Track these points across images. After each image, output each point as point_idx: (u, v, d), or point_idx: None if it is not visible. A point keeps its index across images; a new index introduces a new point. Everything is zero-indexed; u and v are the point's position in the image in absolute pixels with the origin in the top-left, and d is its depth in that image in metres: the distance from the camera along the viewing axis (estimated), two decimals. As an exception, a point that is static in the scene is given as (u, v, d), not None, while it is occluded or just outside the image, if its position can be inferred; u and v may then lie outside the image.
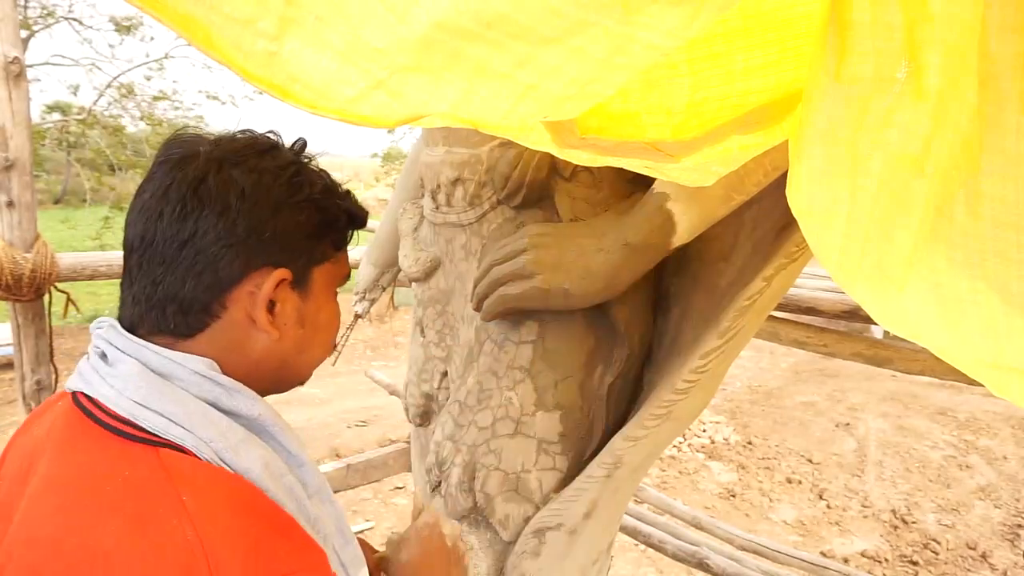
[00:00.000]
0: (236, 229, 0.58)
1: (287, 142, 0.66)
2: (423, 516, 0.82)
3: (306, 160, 0.66)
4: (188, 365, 0.57)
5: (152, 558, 0.47)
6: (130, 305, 0.61)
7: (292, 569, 0.52)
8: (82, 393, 0.58)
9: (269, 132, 0.66)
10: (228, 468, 0.55)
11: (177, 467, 0.52)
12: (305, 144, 0.67)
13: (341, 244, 0.68)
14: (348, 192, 0.69)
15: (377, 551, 0.84)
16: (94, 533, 0.48)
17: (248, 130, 0.65)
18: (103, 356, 0.59)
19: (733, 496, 4.43)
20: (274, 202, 0.60)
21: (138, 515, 0.49)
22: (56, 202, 15.46)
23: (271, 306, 0.61)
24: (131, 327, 0.60)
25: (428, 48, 0.42)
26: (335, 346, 0.72)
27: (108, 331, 0.60)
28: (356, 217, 0.69)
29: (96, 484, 0.51)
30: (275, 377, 0.65)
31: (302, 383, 0.70)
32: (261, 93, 0.48)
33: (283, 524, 0.55)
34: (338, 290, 0.71)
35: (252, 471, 0.56)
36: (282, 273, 0.61)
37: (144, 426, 0.54)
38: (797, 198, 0.46)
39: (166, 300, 0.59)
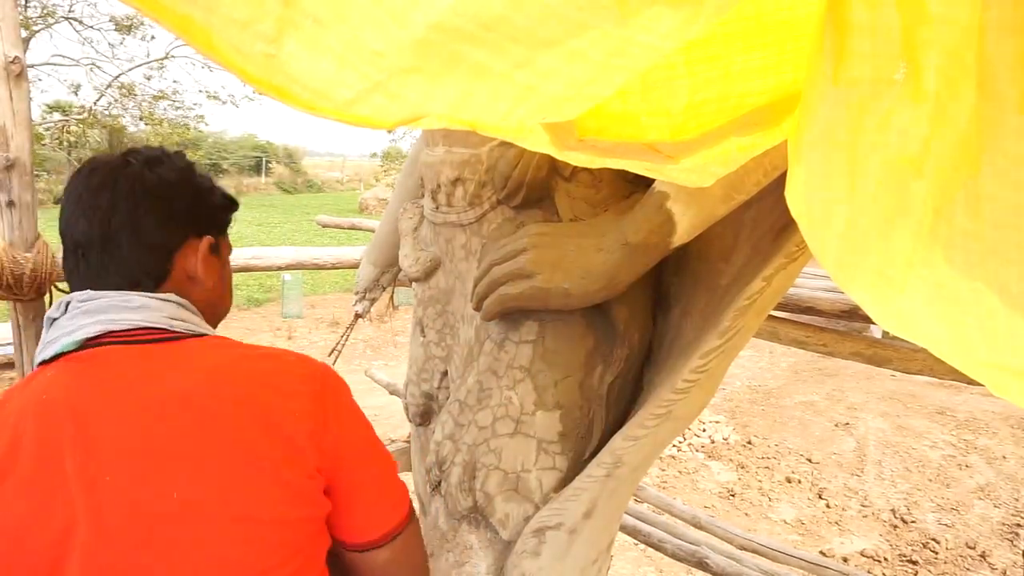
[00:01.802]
0: (170, 209, 0.79)
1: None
2: None
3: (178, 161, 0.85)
4: (168, 298, 0.77)
5: (306, 375, 0.77)
6: (96, 278, 0.76)
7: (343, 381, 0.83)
8: (99, 335, 0.72)
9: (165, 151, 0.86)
10: None
11: (225, 340, 0.78)
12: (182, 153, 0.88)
13: (227, 222, 0.91)
14: (213, 180, 0.91)
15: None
16: (258, 371, 0.74)
17: (150, 149, 0.84)
18: (111, 302, 0.74)
19: (733, 496, 4.43)
20: (193, 188, 0.83)
21: (262, 355, 0.77)
22: (56, 202, 15.45)
23: (207, 257, 0.83)
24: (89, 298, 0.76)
25: (426, 50, 0.42)
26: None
27: (90, 293, 0.75)
28: (232, 200, 0.91)
29: (213, 356, 0.74)
30: (205, 317, 0.84)
31: (215, 326, 0.88)
32: (261, 93, 0.48)
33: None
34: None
35: None
36: (210, 239, 0.83)
37: (179, 329, 0.75)
38: (796, 199, 0.46)
39: (132, 267, 0.76)
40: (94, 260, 0.76)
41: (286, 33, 0.42)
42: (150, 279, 0.77)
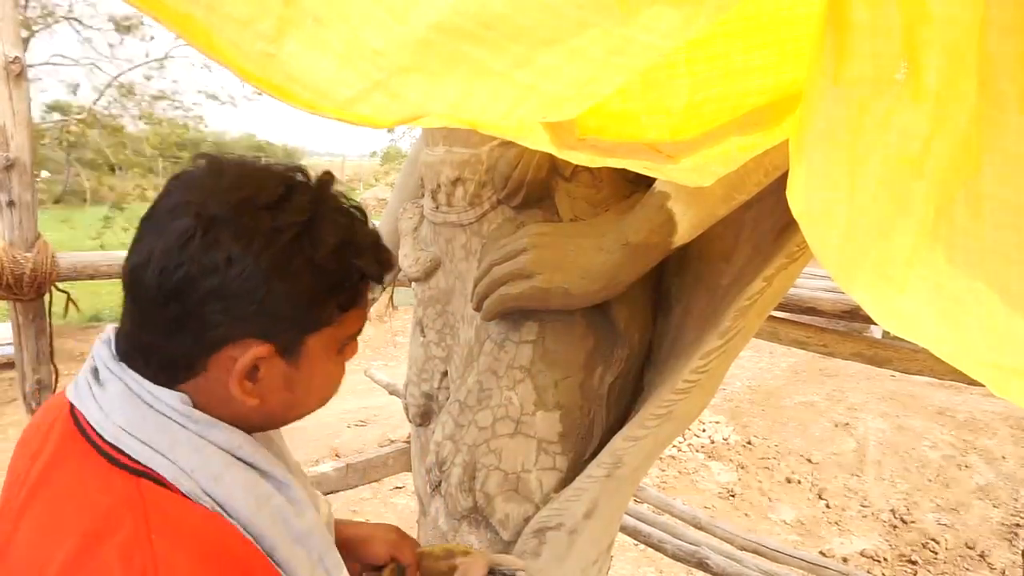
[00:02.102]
0: (221, 295, 0.53)
1: (316, 181, 0.60)
2: (477, 566, 0.82)
3: (327, 205, 0.59)
4: (161, 397, 0.55)
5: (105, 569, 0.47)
6: (122, 335, 0.60)
7: None
8: (75, 407, 0.58)
9: (292, 171, 0.59)
10: (210, 498, 0.54)
11: (154, 502, 0.51)
12: (327, 183, 0.61)
13: (349, 306, 0.61)
14: (374, 243, 0.61)
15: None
16: (63, 563, 0.48)
17: (263, 170, 0.59)
18: (95, 372, 0.58)
19: (733, 496, 4.43)
20: (262, 272, 0.53)
21: (106, 547, 0.48)
22: (56, 202, 15.45)
23: (253, 373, 0.57)
24: (120, 354, 0.59)
25: (427, 49, 0.42)
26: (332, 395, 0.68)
27: (101, 348, 0.59)
28: (372, 274, 0.61)
29: (76, 510, 0.51)
30: (261, 426, 0.63)
31: (292, 421, 0.66)
32: (261, 94, 0.48)
33: (258, 565, 0.54)
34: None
35: (235, 498, 0.55)
36: (261, 350, 0.56)
37: (128, 452, 0.53)
38: (797, 199, 0.46)
39: (149, 350, 0.57)
40: (133, 308, 0.58)
41: (286, 32, 0.42)
42: (162, 368, 0.57)
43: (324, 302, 0.58)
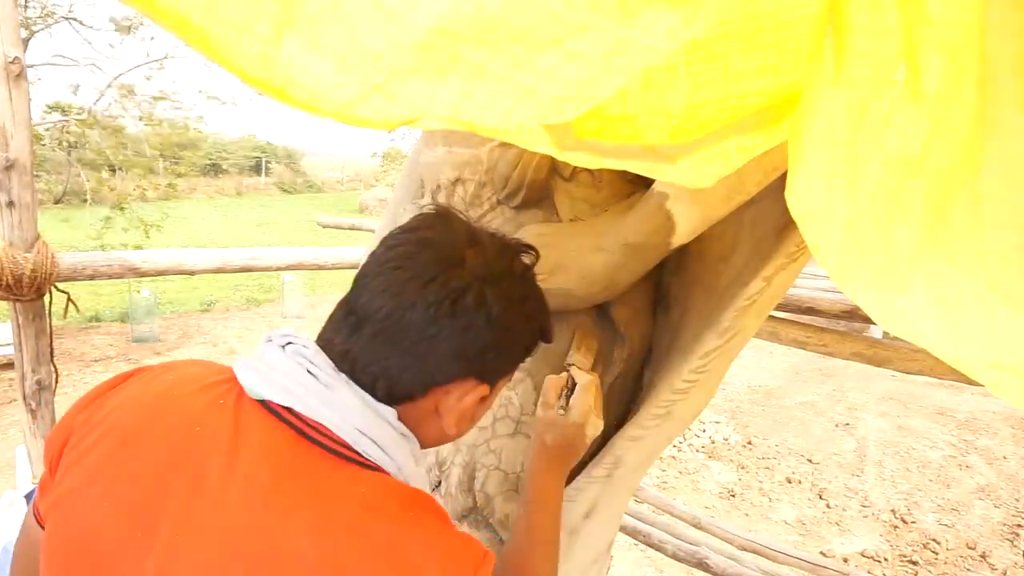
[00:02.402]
0: (471, 346, 0.64)
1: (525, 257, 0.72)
2: (573, 414, 0.90)
3: (537, 284, 0.72)
4: (384, 414, 0.64)
5: (416, 567, 0.54)
6: (342, 351, 0.65)
7: (484, 552, 0.60)
8: (285, 408, 0.61)
9: (524, 248, 0.72)
10: None
11: (394, 487, 0.61)
12: (537, 258, 0.73)
13: (528, 357, 0.75)
14: (548, 311, 0.75)
15: None
16: (356, 553, 0.54)
17: (505, 245, 0.70)
18: (311, 375, 0.63)
19: (733, 496, 4.44)
20: (509, 330, 0.67)
21: (387, 531, 0.56)
22: (56, 202, 15.46)
23: (462, 412, 0.68)
24: (337, 365, 0.65)
25: (426, 51, 0.42)
26: None
27: (316, 355, 0.64)
28: (547, 336, 0.75)
29: (341, 504, 0.57)
30: (421, 445, 0.71)
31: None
32: (261, 94, 0.48)
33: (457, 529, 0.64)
34: None
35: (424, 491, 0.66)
36: (484, 390, 0.68)
37: (361, 451, 0.61)
38: (796, 200, 0.46)
39: (380, 374, 0.64)
40: (364, 333, 0.64)
41: (284, 34, 0.42)
42: (387, 391, 0.64)
43: (520, 359, 0.73)
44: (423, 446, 0.70)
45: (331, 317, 0.68)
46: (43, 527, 0.66)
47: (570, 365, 0.96)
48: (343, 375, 0.64)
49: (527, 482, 0.91)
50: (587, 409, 0.91)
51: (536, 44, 0.41)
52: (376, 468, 0.62)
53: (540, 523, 0.87)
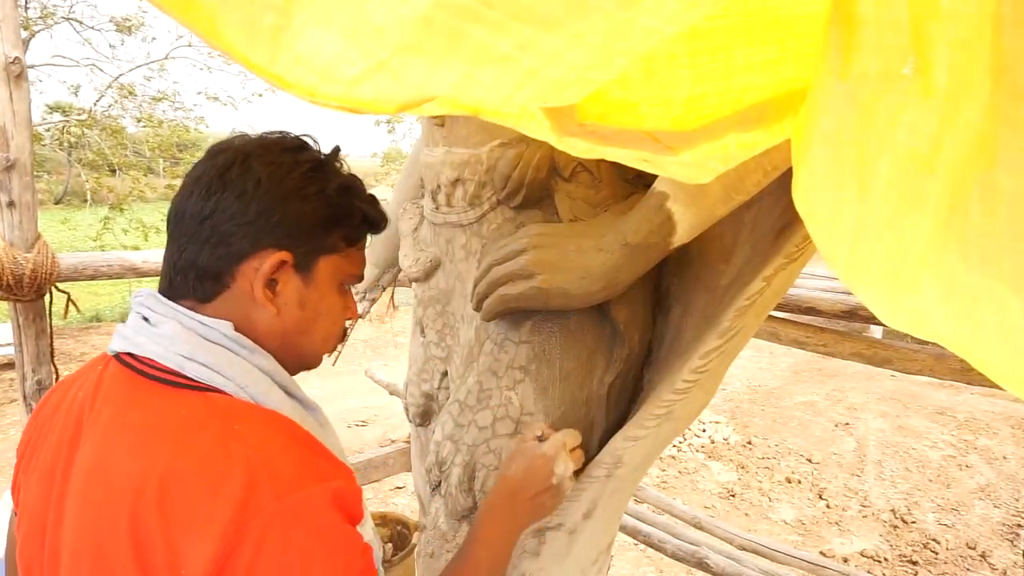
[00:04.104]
0: (248, 211, 0.66)
1: (322, 148, 0.74)
2: (546, 447, 0.87)
3: (332, 161, 0.73)
4: (216, 327, 0.66)
5: (223, 473, 0.55)
6: (164, 273, 0.70)
7: (333, 477, 0.60)
8: (126, 353, 0.66)
9: (304, 135, 0.74)
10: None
11: (224, 405, 0.62)
12: (338, 150, 0.75)
13: (353, 240, 0.74)
14: (372, 197, 0.76)
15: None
16: (172, 462, 0.56)
17: (284, 132, 0.74)
18: (145, 319, 0.67)
19: (733, 496, 4.43)
20: (284, 191, 0.67)
21: (203, 442, 0.58)
22: (57, 202, 15.45)
23: (272, 284, 0.69)
24: (165, 293, 0.70)
25: (429, 27, 0.42)
26: (341, 338, 0.79)
27: (147, 298, 0.69)
28: (371, 219, 0.75)
29: (161, 423, 0.60)
30: (279, 356, 0.71)
31: (307, 367, 0.76)
32: (261, 95, 0.48)
33: (318, 446, 0.65)
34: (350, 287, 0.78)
35: (281, 411, 0.66)
36: (283, 255, 0.68)
37: (191, 375, 0.63)
38: (802, 199, 0.46)
39: (187, 267, 0.67)
40: (169, 240, 0.69)
41: (296, 4, 0.42)
42: (199, 281, 0.67)
43: (332, 229, 0.71)
44: (276, 354, 0.70)
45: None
46: None
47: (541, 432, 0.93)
48: (171, 307, 0.67)
49: (477, 517, 0.86)
50: (560, 444, 0.88)
51: (539, 24, 0.41)
52: (210, 390, 0.63)
53: (477, 556, 0.81)
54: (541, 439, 0.90)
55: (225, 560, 0.52)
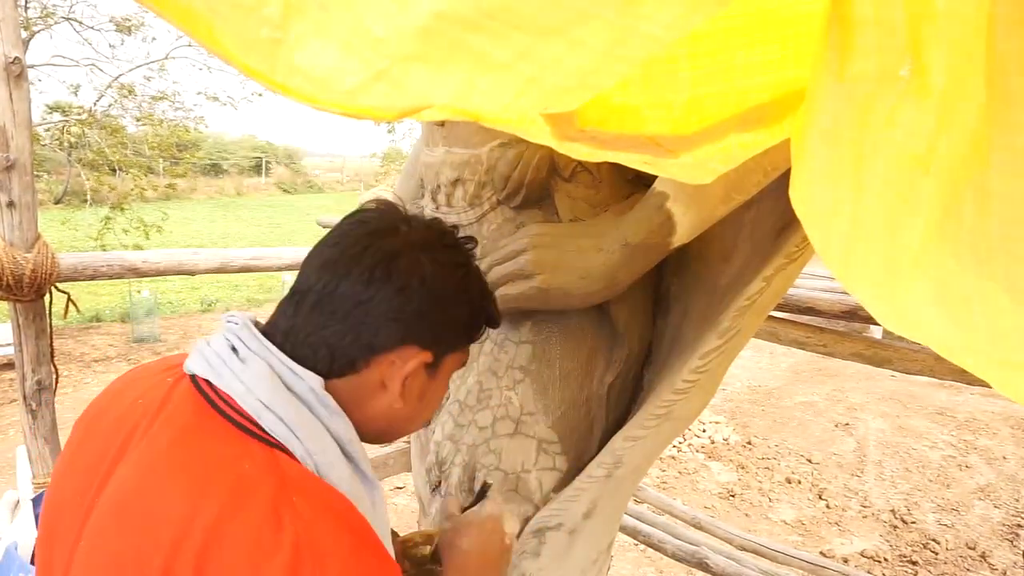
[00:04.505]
0: (407, 308, 0.65)
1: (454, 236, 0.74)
2: (488, 507, 0.85)
3: (473, 260, 0.74)
4: (304, 379, 0.63)
5: (270, 548, 0.51)
6: (282, 330, 0.67)
7: None
8: (206, 381, 0.63)
9: (452, 227, 0.74)
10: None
11: (290, 471, 0.58)
12: (475, 245, 0.76)
13: (476, 339, 0.76)
14: (494, 297, 0.78)
15: (398, 534, 0.87)
16: (221, 520, 0.52)
17: (436, 221, 0.73)
18: (234, 350, 0.64)
19: (733, 496, 4.43)
20: (443, 294, 0.68)
21: (257, 507, 0.53)
22: (57, 202, 15.45)
23: (406, 379, 0.68)
24: (268, 335, 0.66)
25: (429, 37, 0.42)
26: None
27: (242, 329, 0.66)
28: (493, 320, 0.77)
29: (220, 471, 0.56)
30: (374, 433, 0.71)
31: (388, 443, 0.76)
32: (261, 94, 0.48)
33: (371, 536, 0.60)
34: None
35: (340, 488, 0.61)
36: (427, 356, 0.68)
37: (264, 426, 0.59)
38: (800, 198, 0.46)
39: (322, 344, 0.65)
40: (304, 306, 0.66)
41: (292, 18, 0.42)
42: (329, 361, 0.65)
43: (464, 331, 0.73)
44: (372, 430, 0.69)
45: (279, 303, 0.70)
46: None
47: (487, 485, 0.93)
48: (266, 347, 0.64)
49: None
50: (500, 504, 0.86)
51: (539, 32, 0.41)
52: (279, 447, 0.60)
53: None
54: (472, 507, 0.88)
55: None
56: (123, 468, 0.59)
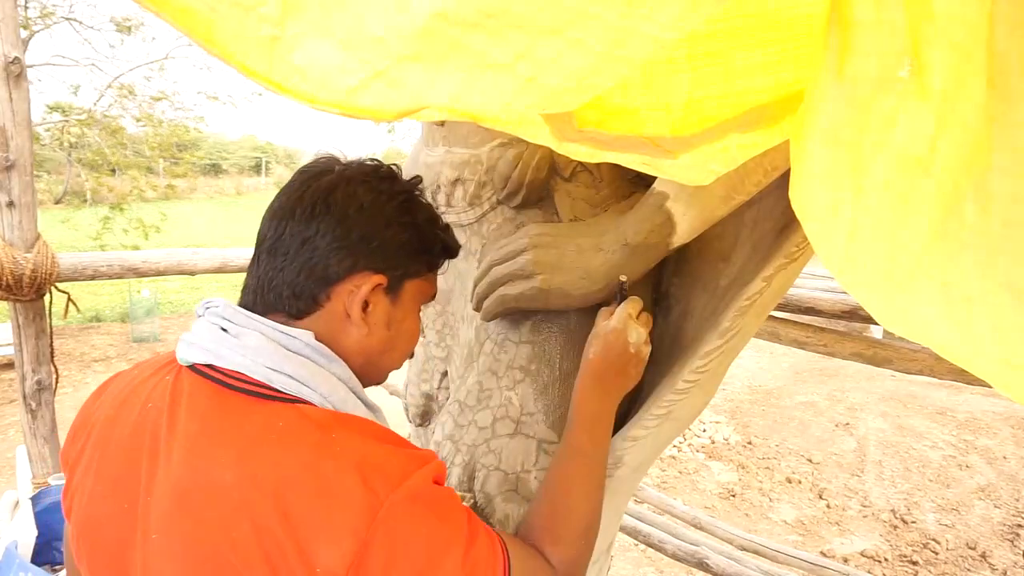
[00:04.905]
0: (350, 235, 0.69)
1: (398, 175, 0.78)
2: (612, 321, 0.91)
3: (417, 193, 0.78)
4: (299, 337, 0.68)
5: (337, 477, 0.58)
6: (252, 288, 0.72)
7: (426, 459, 0.64)
8: (207, 365, 0.66)
9: (392, 165, 0.78)
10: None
11: (315, 416, 0.63)
12: (420, 180, 0.79)
13: (434, 266, 0.80)
14: (447, 226, 0.81)
15: None
16: (282, 471, 0.58)
17: (374, 158, 0.78)
18: (223, 330, 0.68)
19: (733, 496, 4.43)
20: (384, 218, 0.71)
21: (307, 451, 0.59)
22: (57, 202, 15.45)
23: (365, 305, 0.72)
24: (248, 307, 0.71)
25: (428, 37, 0.42)
26: (411, 355, 0.82)
27: (225, 309, 0.70)
28: (449, 247, 0.81)
29: (260, 435, 0.61)
30: (360, 371, 0.74)
31: (375, 383, 0.79)
32: (261, 94, 0.48)
33: (400, 437, 0.67)
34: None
35: (357, 415, 0.68)
36: (379, 278, 0.71)
37: (278, 387, 0.64)
38: (800, 199, 0.46)
39: (283, 285, 0.70)
40: (261, 257, 0.71)
41: (290, 16, 0.42)
42: (294, 299, 0.69)
43: (419, 256, 0.76)
44: (357, 369, 0.73)
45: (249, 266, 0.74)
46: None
47: (623, 277, 0.96)
48: (252, 318, 0.68)
49: (571, 405, 0.90)
50: (624, 316, 0.91)
51: (538, 32, 0.41)
52: (298, 401, 0.64)
53: (577, 441, 0.86)
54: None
55: (361, 557, 0.56)
56: (168, 467, 0.62)
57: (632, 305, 0.93)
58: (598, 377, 0.89)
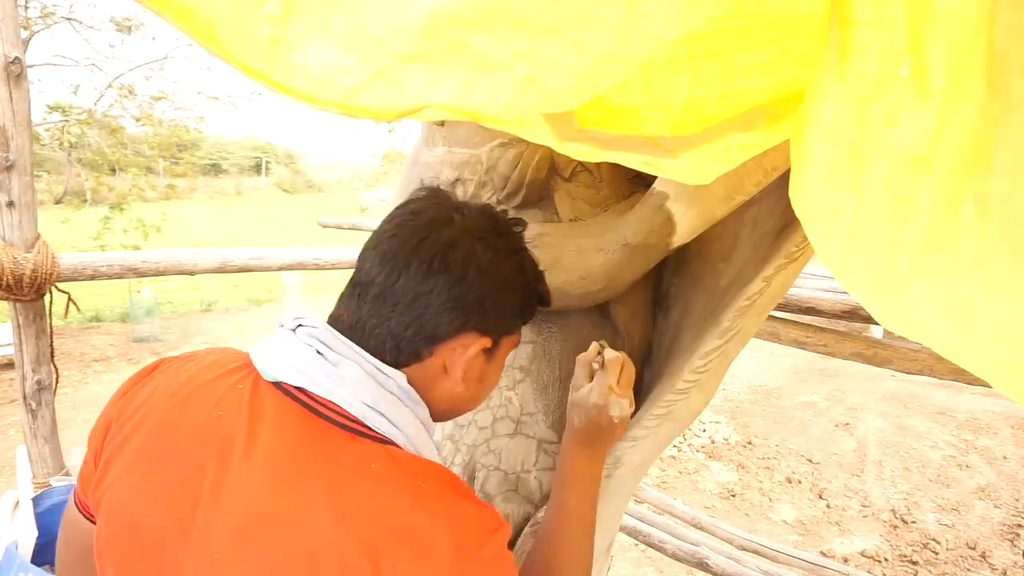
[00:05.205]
0: (466, 297, 0.68)
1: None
2: (593, 396, 0.88)
3: (524, 243, 0.76)
4: (393, 377, 0.67)
5: (430, 535, 0.57)
6: (347, 324, 0.70)
7: (498, 521, 0.64)
8: (298, 388, 0.65)
9: (508, 213, 0.77)
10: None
11: (403, 460, 0.63)
12: (525, 226, 0.78)
13: (526, 320, 0.79)
14: (542, 274, 0.80)
15: None
16: (377, 520, 0.57)
17: (488, 207, 0.76)
18: (319, 354, 0.66)
19: (733, 496, 4.44)
20: (501, 280, 0.70)
21: (402, 503, 0.59)
22: (57, 202, 15.44)
23: (466, 364, 0.71)
24: (346, 334, 0.69)
25: (429, 36, 0.42)
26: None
27: (323, 332, 0.68)
28: (544, 300, 0.80)
29: (355, 477, 0.60)
30: (438, 414, 0.74)
31: (446, 421, 0.80)
32: (261, 94, 0.48)
33: (467, 488, 0.67)
34: None
35: (433, 460, 0.68)
36: (486, 341, 0.71)
37: (370, 425, 0.64)
38: (800, 199, 0.46)
39: (387, 335, 0.68)
40: (367, 299, 0.69)
41: (292, 15, 0.42)
42: (396, 351, 0.68)
43: (519, 314, 0.76)
44: (437, 412, 0.73)
45: (340, 295, 0.72)
46: (89, 518, 0.72)
47: (601, 343, 0.93)
48: (352, 348, 0.67)
49: (559, 463, 0.90)
50: (605, 390, 0.88)
51: (538, 31, 0.41)
52: (386, 441, 0.64)
53: (568, 503, 0.86)
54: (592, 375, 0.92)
55: None
56: (245, 486, 0.60)
57: (611, 375, 0.89)
58: (585, 444, 0.88)
